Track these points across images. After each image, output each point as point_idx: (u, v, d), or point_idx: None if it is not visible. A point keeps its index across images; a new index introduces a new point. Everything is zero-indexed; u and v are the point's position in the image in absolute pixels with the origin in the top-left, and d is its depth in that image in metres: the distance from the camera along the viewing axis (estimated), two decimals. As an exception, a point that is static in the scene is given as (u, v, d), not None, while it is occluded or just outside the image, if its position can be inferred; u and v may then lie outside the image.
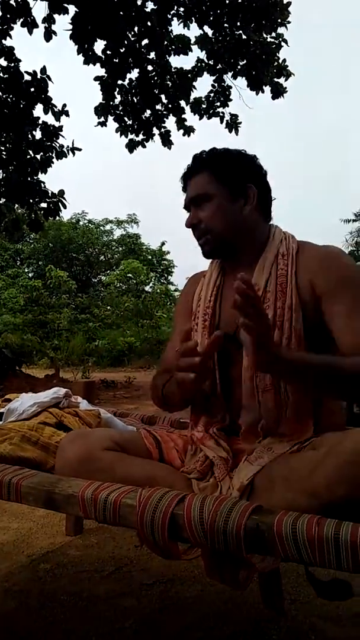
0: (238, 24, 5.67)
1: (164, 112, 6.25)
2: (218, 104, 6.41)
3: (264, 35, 5.77)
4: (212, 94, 6.39)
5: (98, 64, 5.69)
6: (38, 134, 5.66)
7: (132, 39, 5.62)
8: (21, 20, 5.26)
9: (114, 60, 5.72)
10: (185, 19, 5.71)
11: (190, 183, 1.18)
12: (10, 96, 5.44)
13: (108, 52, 5.65)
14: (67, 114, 5.61)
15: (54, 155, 5.71)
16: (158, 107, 6.20)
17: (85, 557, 1.83)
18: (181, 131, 6.31)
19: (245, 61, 5.98)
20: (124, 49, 5.62)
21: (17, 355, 9.80)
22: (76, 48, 5.47)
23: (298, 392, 1.06)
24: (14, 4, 5.21)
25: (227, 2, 5.49)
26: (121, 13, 5.23)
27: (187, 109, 6.30)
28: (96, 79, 5.92)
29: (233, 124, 6.44)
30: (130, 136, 6.28)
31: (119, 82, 5.99)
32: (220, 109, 6.43)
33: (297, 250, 1.13)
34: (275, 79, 6.11)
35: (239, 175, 1.14)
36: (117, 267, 21.36)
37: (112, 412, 1.74)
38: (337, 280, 1.07)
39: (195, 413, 1.20)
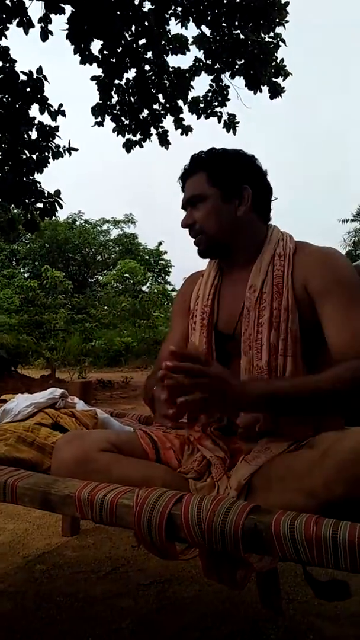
0: (236, 23, 5.67)
1: (162, 112, 6.24)
2: (216, 103, 6.41)
3: (262, 35, 5.76)
4: (209, 94, 6.39)
5: (95, 64, 5.69)
6: (34, 134, 5.65)
7: (129, 38, 5.61)
8: (17, 20, 5.24)
9: (111, 60, 5.71)
10: (182, 18, 5.70)
11: (187, 183, 1.20)
12: (6, 96, 5.42)
13: (105, 51, 5.64)
14: (63, 113, 5.60)
15: (50, 155, 5.69)
16: (155, 106, 6.19)
17: (81, 557, 1.82)
18: (179, 131, 6.30)
19: (243, 61, 5.97)
20: (121, 48, 5.61)
21: (12, 356, 9.79)
22: (73, 48, 5.46)
23: None
24: (9, 3, 5.18)
25: (225, 1, 5.48)
26: (118, 13, 5.22)
27: (185, 108, 6.30)
28: (93, 78, 5.90)
29: (231, 124, 6.44)
30: (128, 136, 6.27)
31: (116, 81, 5.98)
32: (218, 109, 6.43)
33: (295, 251, 1.14)
34: (273, 79, 6.10)
35: (234, 176, 1.15)
36: (114, 267, 21.35)
37: (108, 412, 1.73)
38: (331, 281, 1.06)
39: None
